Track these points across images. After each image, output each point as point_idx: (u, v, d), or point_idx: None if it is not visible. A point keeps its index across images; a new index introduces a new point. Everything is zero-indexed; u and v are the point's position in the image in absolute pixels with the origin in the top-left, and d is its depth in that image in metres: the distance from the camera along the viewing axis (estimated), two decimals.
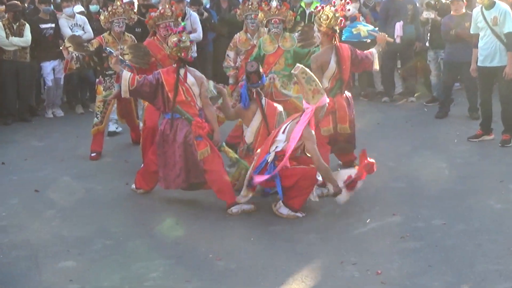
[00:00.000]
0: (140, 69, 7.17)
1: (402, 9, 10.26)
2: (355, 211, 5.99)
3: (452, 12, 9.22)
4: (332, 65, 6.53)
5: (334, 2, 6.72)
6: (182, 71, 6.09)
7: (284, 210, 5.89)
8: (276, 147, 5.86)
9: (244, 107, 6.47)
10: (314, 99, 5.78)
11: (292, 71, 5.87)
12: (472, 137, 8.21)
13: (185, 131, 6.02)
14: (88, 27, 10.04)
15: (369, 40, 9.28)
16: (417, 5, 10.72)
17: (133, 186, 6.64)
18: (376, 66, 6.91)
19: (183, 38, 6.04)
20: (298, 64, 5.98)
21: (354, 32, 9.69)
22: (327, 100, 5.95)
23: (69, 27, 9.87)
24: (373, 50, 6.88)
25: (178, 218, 5.94)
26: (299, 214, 5.88)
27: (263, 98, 6.48)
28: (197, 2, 10.66)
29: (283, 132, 5.88)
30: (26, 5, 10.53)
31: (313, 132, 5.87)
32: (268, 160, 5.83)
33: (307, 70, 5.86)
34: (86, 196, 6.63)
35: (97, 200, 6.50)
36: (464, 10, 9.12)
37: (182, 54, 6.04)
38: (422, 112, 9.89)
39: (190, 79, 6.10)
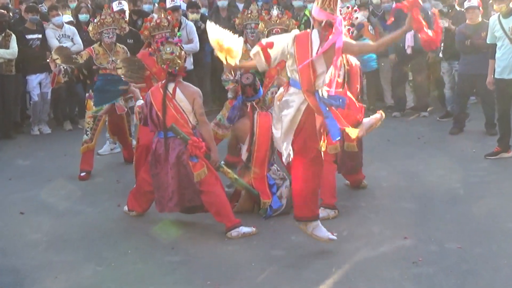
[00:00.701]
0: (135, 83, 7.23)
1: None
2: (364, 234, 6.02)
3: (467, 21, 9.32)
4: None
5: (341, 10, 6.79)
6: (171, 87, 6.08)
7: (321, 232, 5.59)
8: (323, 81, 5.33)
9: (229, 122, 6.51)
10: (336, 8, 5.41)
11: None
12: (489, 155, 8.25)
13: (177, 151, 5.99)
14: (78, 38, 10.13)
15: None
16: (429, 13, 10.80)
17: (126, 208, 6.66)
18: None
19: (168, 49, 6.04)
20: None
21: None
22: None
23: (57, 38, 9.96)
24: None
25: (173, 242, 5.96)
26: (332, 237, 5.63)
27: (256, 112, 6.54)
28: (194, 5, 10.75)
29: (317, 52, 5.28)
30: (11, 14, 10.63)
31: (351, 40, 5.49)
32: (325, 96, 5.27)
33: None
34: (75, 218, 6.66)
35: (87, 223, 6.53)
36: (480, 19, 9.22)
37: (164, 67, 6.06)
38: (435, 128, 9.96)
39: (179, 95, 6.04)
